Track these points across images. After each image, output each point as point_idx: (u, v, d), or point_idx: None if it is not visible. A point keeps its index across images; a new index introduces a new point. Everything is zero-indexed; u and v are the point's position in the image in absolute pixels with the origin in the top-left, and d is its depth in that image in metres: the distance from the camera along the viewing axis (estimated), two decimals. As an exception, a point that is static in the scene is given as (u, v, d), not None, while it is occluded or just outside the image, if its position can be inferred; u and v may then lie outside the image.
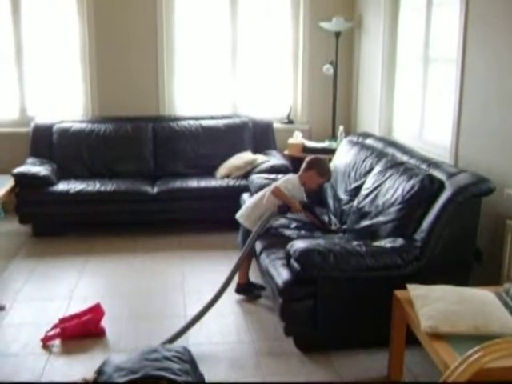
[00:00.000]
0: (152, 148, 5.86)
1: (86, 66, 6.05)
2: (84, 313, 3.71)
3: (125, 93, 6.12)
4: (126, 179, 5.55)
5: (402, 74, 5.36)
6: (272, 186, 4.08)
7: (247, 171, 5.53)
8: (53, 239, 5.31)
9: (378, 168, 4.02)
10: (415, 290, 2.87)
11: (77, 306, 3.95)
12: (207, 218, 5.56)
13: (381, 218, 3.61)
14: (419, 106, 4.94)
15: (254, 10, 6.25)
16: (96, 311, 3.70)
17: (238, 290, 4.16)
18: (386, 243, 3.36)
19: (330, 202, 4.57)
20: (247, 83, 6.36)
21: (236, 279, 4.04)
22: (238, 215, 4.16)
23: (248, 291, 4.16)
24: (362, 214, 3.85)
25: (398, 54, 5.39)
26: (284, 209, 3.95)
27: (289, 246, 3.37)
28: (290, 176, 4.26)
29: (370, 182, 3.98)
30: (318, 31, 6.06)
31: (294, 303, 3.29)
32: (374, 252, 3.25)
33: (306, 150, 5.79)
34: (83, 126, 5.87)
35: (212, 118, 6.10)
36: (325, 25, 5.87)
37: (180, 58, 6.22)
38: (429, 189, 3.41)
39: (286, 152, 5.94)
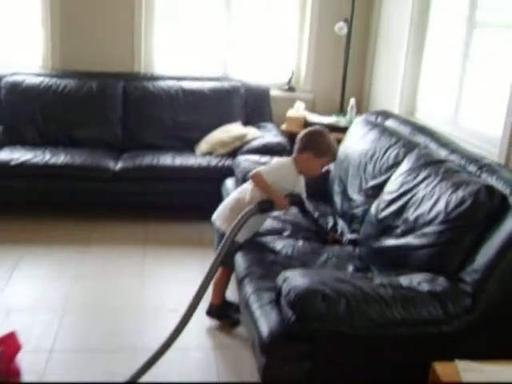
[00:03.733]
0: (121, 112, 4.85)
1: (47, 8, 5.00)
2: (-7, 344, 2.70)
3: (93, 43, 5.11)
4: (85, 150, 4.54)
5: (434, 40, 4.30)
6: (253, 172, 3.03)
7: (235, 148, 4.54)
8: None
9: (406, 164, 2.97)
10: (469, 373, 1.87)
11: (-4, 322, 2.98)
12: (181, 205, 4.52)
13: (412, 240, 2.57)
14: (456, 81, 3.89)
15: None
16: (9, 343, 2.68)
17: (211, 313, 3.16)
18: (420, 282, 2.32)
19: (337, 200, 3.52)
20: (242, 40, 5.35)
21: (208, 296, 3.03)
22: (214, 216, 3.12)
23: (223, 315, 3.16)
24: (384, 229, 2.80)
25: (432, 14, 4.34)
26: (266, 205, 2.90)
27: (280, 279, 2.31)
28: (282, 159, 3.20)
29: (395, 184, 2.93)
30: (331, -20, 5.02)
31: (284, 364, 2.25)
32: (405, 298, 2.21)
33: (308, 125, 4.77)
34: (39, 80, 4.85)
35: (196, 79, 5.06)
36: (340, -27, 4.81)
37: (162, 3, 5.16)
38: (486, 206, 2.36)
39: (284, 127, 4.92)
